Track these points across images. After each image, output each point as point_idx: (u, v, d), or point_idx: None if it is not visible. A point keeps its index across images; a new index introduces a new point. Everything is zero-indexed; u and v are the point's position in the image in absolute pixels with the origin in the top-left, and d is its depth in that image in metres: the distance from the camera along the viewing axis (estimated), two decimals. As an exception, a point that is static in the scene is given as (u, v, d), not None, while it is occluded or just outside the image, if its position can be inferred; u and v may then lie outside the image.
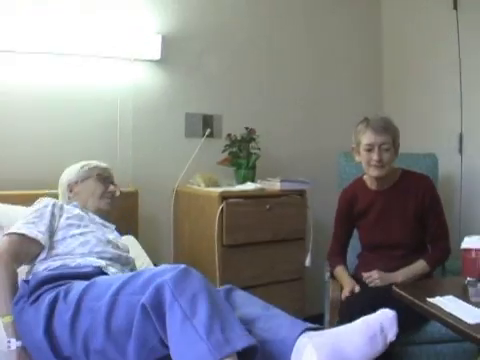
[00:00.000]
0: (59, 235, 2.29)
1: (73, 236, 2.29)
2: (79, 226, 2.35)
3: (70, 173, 2.58)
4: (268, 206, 3.11)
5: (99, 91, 3.21)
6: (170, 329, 1.63)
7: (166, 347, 1.66)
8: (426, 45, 3.95)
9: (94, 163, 2.63)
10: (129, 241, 2.87)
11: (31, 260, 2.23)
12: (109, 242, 2.38)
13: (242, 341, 1.59)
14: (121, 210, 2.75)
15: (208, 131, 3.56)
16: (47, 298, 1.91)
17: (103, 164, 2.67)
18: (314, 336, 1.73)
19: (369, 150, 2.74)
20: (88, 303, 1.83)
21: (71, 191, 2.56)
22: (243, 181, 3.36)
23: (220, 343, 1.56)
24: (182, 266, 1.77)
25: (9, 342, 1.93)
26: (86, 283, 1.92)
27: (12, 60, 2.94)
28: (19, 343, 1.92)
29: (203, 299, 1.67)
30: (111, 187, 2.59)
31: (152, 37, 3.26)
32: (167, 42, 3.33)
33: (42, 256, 2.21)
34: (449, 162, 3.65)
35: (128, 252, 2.48)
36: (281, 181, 3.24)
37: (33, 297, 1.96)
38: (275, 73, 3.90)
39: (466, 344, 2.66)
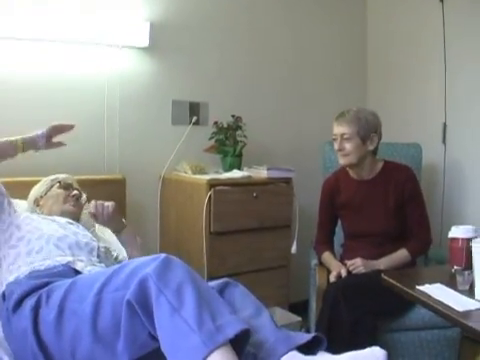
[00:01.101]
0: (18, 221, 2.31)
1: (26, 224, 2.31)
2: (34, 220, 2.37)
3: (35, 190, 2.61)
4: (255, 194, 3.13)
5: (86, 78, 3.19)
6: (159, 323, 1.61)
7: (156, 340, 1.64)
8: (411, 36, 3.98)
9: (53, 176, 2.65)
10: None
11: None
12: (66, 230, 2.36)
13: (233, 327, 1.58)
14: (109, 197, 2.72)
15: (195, 119, 3.56)
16: (28, 304, 1.88)
17: (63, 175, 2.67)
18: None
19: (335, 140, 2.92)
20: (71, 305, 1.80)
21: (38, 205, 2.57)
22: (229, 169, 3.37)
23: (212, 332, 1.54)
24: (163, 256, 1.74)
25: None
26: (67, 283, 1.88)
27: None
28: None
29: (189, 288, 1.65)
30: (74, 191, 2.59)
31: (141, 24, 3.24)
32: (155, 29, 3.31)
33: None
34: (433, 152, 3.69)
35: (95, 241, 2.43)
36: (268, 169, 3.26)
37: (12, 305, 1.93)
38: (262, 62, 3.90)
39: (449, 331, 2.73)
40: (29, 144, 2.32)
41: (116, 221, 2.44)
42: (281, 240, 3.29)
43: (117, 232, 2.46)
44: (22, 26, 2.88)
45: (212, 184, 3.02)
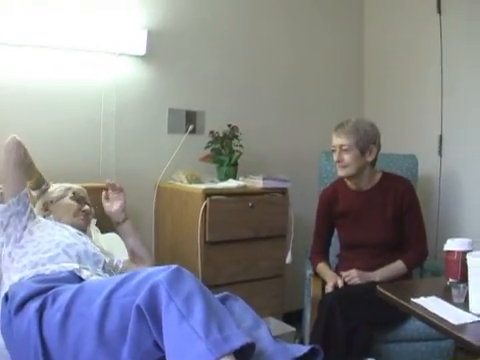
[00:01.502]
0: (32, 228, 2.32)
1: (40, 231, 2.33)
2: (48, 226, 2.39)
3: (46, 194, 2.61)
4: (250, 203, 3.12)
5: (83, 86, 3.19)
6: (166, 329, 1.63)
7: (160, 350, 1.66)
8: (408, 47, 3.99)
9: (68, 185, 2.66)
10: (112, 238, 2.88)
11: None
12: (77, 239, 2.38)
13: (240, 340, 1.61)
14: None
15: (191, 127, 3.55)
16: (33, 306, 1.88)
17: (77, 186, 2.69)
18: None
19: (334, 151, 2.91)
20: (79, 308, 1.81)
21: (46, 210, 2.57)
22: (225, 178, 3.36)
23: (218, 342, 1.57)
24: (174, 266, 1.77)
25: None
26: (74, 287, 1.90)
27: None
28: None
29: (198, 299, 1.68)
30: (86, 207, 2.60)
31: (138, 32, 3.24)
32: (152, 37, 3.31)
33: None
34: (429, 163, 3.70)
35: (103, 254, 2.45)
36: (264, 179, 3.25)
37: (15, 307, 1.93)
38: (259, 71, 3.91)
39: (443, 342, 2.73)
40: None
41: (120, 209, 2.61)
42: (276, 250, 3.28)
43: (118, 223, 2.61)
44: (19, 32, 2.88)
45: (208, 193, 3.01)
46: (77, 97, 3.17)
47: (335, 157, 2.89)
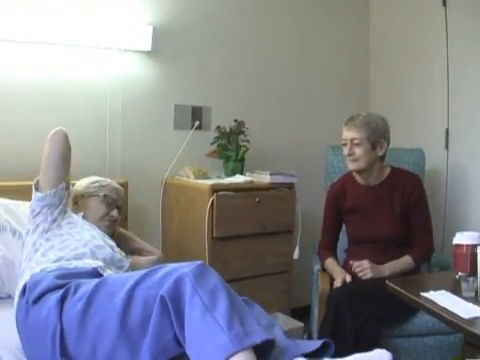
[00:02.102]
0: (62, 222, 2.34)
1: (69, 227, 2.33)
2: (77, 224, 2.40)
3: (80, 185, 2.61)
4: (258, 199, 3.12)
5: (88, 82, 3.18)
6: (189, 320, 1.65)
7: (179, 346, 1.68)
8: (414, 41, 3.98)
9: (107, 181, 2.65)
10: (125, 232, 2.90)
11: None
12: (105, 242, 2.39)
13: (261, 335, 1.63)
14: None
15: (197, 123, 3.55)
16: (53, 297, 1.90)
17: (115, 184, 2.68)
18: None
19: (344, 145, 2.89)
20: (101, 300, 1.82)
21: (76, 203, 2.57)
22: (232, 173, 3.36)
23: (240, 335, 1.59)
24: (199, 262, 1.79)
25: None
26: (96, 280, 1.91)
27: (-2, 50, 2.91)
28: None
29: (222, 294, 1.70)
30: (114, 212, 2.59)
31: (143, 28, 3.23)
32: (158, 33, 3.31)
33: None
34: (435, 157, 3.69)
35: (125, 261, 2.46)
36: (271, 174, 3.24)
37: (34, 297, 1.95)
38: (264, 66, 3.90)
39: (451, 337, 2.73)
40: None
41: None
42: (283, 245, 3.28)
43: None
44: (23, 29, 2.87)
45: (215, 189, 3.01)
46: (83, 94, 3.17)
47: (345, 151, 2.88)
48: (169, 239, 3.39)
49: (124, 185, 3.14)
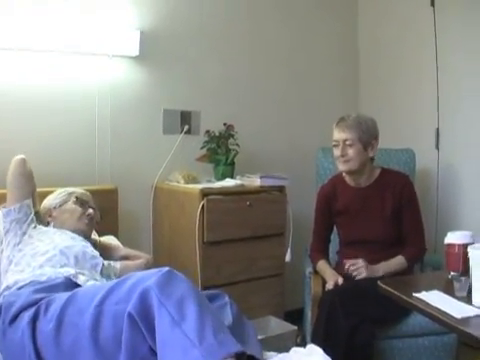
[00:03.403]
0: (32, 233, 2.37)
1: (40, 235, 2.37)
2: (49, 232, 2.43)
3: (49, 200, 2.60)
4: (248, 202, 3.11)
5: (77, 88, 3.16)
6: (159, 335, 1.60)
7: (156, 355, 1.62)
8: (403, 41, 3.98)
9: (70, 189, 2.65)
10: (110, 240, 2.86)
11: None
12: (75, 240, 2.39)
13: (235, 345, 1.58)
14: (101, 208, 2.71)
15: (186, 128, 3.53)
16: (26, 316, 1.87)
17: (80, 189, 2.67)
18: None
19: (335, 146, 2.88)
20: (71, 317, 1.79)
21: (50, 216, 2.56)
22: (222, 177, 3.34)
23: (213, 347, 1.54)
24: (165, 269, 1.75)
25: None
26: (66, 295, 1.87)
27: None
28: None
29: (191, 302, 1.65)
30: (90, 210, 2.58)
31: (131, 33, 3.21)
32: (145, 38, 3.29)
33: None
34: (426, 157, 3.69)
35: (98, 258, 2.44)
36: (261, 177, 3.23)
37: (10, 317, 1.92)
38: (254, 69, 3.89)
39: (445, 337, 2.72)
40: None
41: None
42: (275, 248, 3.27)
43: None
44: (11, 36, 2.85)
45: (205, 193, 3.00)
46: (71, 100, 3.14)
47: (337, 152, 2.86)
48: (160, 244, 3.37)
49: (114, 191, 3.15)
